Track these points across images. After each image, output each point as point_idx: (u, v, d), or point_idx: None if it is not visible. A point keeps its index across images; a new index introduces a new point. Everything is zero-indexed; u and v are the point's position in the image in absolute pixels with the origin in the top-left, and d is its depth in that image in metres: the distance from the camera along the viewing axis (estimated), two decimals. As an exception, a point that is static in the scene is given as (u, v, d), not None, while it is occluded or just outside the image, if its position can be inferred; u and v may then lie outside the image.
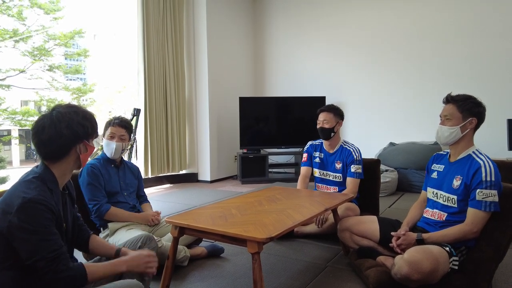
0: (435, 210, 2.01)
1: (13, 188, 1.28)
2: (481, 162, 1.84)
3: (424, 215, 2.09)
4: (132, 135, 2.57)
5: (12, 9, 6.98)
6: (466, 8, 5.10)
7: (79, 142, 1.35)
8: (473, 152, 1.92)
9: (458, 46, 5.17)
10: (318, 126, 2.91)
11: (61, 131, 1.30)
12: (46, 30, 7.51)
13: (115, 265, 1.38)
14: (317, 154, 3.02)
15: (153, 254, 1.49)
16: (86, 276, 1.26)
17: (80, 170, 2.32)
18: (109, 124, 2.38)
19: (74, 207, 1.53)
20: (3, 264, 1.22)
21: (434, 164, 2.12)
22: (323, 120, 2.88)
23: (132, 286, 1.35)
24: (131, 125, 2.50)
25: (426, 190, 2.17)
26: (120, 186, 2.40)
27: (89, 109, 1.50)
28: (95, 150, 1.45)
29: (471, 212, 1.82)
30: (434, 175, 2.08)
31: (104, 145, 2.37)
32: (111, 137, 2.34)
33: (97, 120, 1.44)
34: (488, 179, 1.79)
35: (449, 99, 1.96)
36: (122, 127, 2.38)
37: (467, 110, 1.90)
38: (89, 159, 1.78)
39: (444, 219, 1.94)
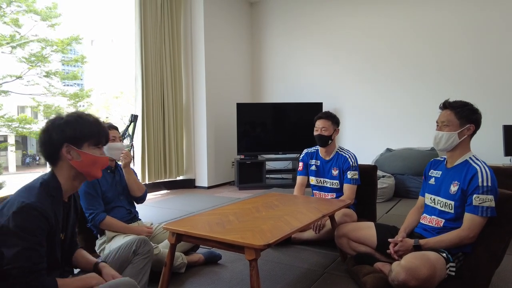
0: (433, 216, 2.01)
1: (17, 192, 1.29)
2: (477, 167, 1.85)
3: (422, 221, 2.09)
4: (129, 140, 2.59)
5: (8, 15, 6.98)
6: (463, 14, 5.15)
7: (59, 146, 1.33)
8: (470, 158, 1.93)
9: (454, 52, 5.22)
10: (316, 133, 2.91)
11: (41, 134, 1.35)
12: (43, 39, 7.51)
13: (85, 280, 1.36)
14: (313, 162, 3.02)
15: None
16: None
17: None
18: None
19: (77, 220, 1.52)
20: None
21: (432, 170, 2.13)
22: (321, 127, 2.87)
23: (126, 285, 1.35)
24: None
25: (423, 195, 2.17)
26: (117, 191, 2.42)
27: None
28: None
29: (467, 217, 1.83)
30: (432, 181, 2.08)
31: (107, 149, 2.37)
32: (113, 140, 2.40)
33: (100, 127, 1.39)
34: (485, 184, 1.80)
35: (447, 105, 1.97)
36: (116, 129, 2.48)
37: (465, 117, 1.91)
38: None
39: (441, 225, 1.95)
